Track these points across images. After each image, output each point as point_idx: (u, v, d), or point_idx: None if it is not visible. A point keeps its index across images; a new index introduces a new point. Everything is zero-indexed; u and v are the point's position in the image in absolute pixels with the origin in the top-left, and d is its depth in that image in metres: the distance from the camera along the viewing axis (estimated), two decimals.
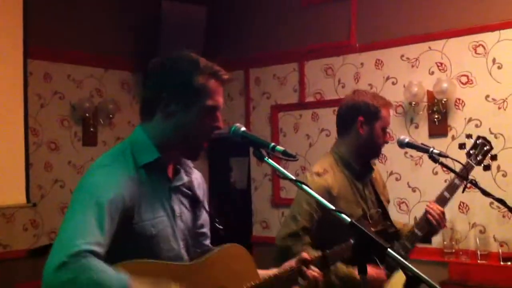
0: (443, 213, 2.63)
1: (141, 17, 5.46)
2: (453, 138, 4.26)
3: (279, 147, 1.70)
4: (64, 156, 4.99)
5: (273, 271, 1.96)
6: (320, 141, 4.96)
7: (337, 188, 2.50)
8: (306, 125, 5.10)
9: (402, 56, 4.54)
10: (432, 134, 4.34)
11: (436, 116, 4.29)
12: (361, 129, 2.55)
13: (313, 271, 1.97)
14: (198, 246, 1.93)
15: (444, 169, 3.99)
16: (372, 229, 2.41)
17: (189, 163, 1.90)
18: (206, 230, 1.98)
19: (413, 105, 4.41)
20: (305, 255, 2.00)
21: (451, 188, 2.67)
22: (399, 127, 4.49)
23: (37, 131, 4.81)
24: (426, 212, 2.62)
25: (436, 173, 4.29)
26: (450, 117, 4.29)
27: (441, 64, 4.36)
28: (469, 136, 2.81)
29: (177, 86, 1.73)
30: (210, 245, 1.98)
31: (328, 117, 4.79)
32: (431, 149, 2.51)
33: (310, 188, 2.34)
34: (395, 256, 1.43)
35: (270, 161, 1.74)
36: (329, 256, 2.14)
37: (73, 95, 5.08)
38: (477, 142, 2.76)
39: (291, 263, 2.00)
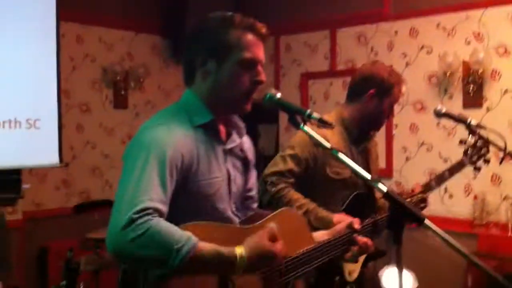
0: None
1: None
2: (487, 109, 4.18)
3: (315, 115, 1.69)
4: (95, 118, 5.06)
5: (325, 235, 1.97)
6: None
7: (333, 144, 2.49)
8: (336, 93, 5.05)
9: (438, 25, 4.44)
10: (466, 105, 4.26)
11: (471, 87, 4.21)
12: (370, 101, 2.57)
13: (363, 239, 2.01)
14: (246, 209, 1.92)
15: None
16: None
17: (240, 124, 1.87)
18: (254, 193, 1.96)
19: (447, 75, 4.32)
20: (355, 223, 2.01)
21: (440, 178, 2.73)
22: (433, 97, 4.42)
23: (69, 93, 4.86)
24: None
25: (461, 141, 4.22)
26: (486, 88, 4.20)
27: (478, 34, 4.25)
28: (462, 142, 2.82)
29: (211, 44, 1.72)
30: (257, 208, 1.97)
31: None
32: (469, 119, 2.48)
33: (305, 140, 2.45)
34: (432, 228, 1.42)
35: (306, 128, 1.73)
36: (379, 224, 2.20)
37: (104, 58, 5.11)
38: (477, 143, 2.78)
39: (342, 228, 2.02)
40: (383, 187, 1.49)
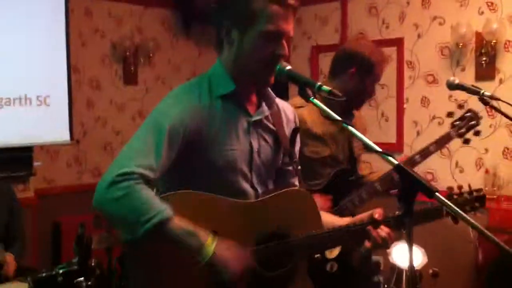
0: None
1: None
2: (500, 81, 4.12)
3: (325, 87, 1.67)
4: (105, 94, 5.05)
5: (341, 223, 1.87)
6: None
7: (310, 123, 2.54)
8: None
9: None
10: (479, 77, 4.19)
11: (484, 59, 4.14)
12: (350, 79, 2.57)
13: (382, 232, 1.84)
14: (282, 183, 1.89)
15: (490, 113, 3.92)
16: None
17: (271, 95, 1.84)
18: (291, 167, 1.90)
19: (460, 46, 4.25)
20: (377, 213, 1.84)
21: (425, 152, 2.70)
22: (445, 69, 4.36)
23: (79, 69, 4.85)
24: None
25: (480, 118, 4.17)
26: (499, 60, 4.13)
27: (491, 3, 4.17)
28: (461, 107, 2.77)
29: (236, 12, 1.69)
30: (296, 183, 1.92)
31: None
32: (482, 91, 2.45)
33: None
34: (443, 200, 1.40)
35: (316, 101, 1.70)
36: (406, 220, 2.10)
37: (113, 33, 5.08)
38: (465, 114, 2.76)
39: (363, 217, 1.87)
40: (393, 160, 1.47)
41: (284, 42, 1.70)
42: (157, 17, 5.41)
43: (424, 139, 4.47)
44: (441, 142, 2.75)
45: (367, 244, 1.86)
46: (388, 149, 2.74)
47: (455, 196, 2.27)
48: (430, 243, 4.00)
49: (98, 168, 4.99)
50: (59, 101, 4.36)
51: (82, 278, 2.90)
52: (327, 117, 1.66)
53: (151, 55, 5.26)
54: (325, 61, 5.15)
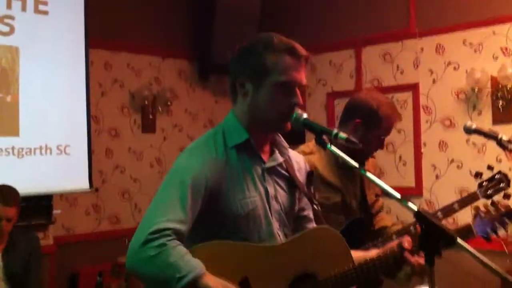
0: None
1: (196, 7, 5.49)
2: None
3: (342, 134, 1.68)
4: (124, 143, 5.12)
5: (370, 255, 1.85)
6: None
7: (321, 170, 2.48)
8: None
9: (465, 41, 4.40)
10: (496, 121, 4.19)
11: (501, 103, 4.14)
12: (355, 129, 2.48)
13: (421, 259, 1.81)
14: (300, 229, 1.89)
15: (508, 156, 3.89)
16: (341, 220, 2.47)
17: (284, 143, 1.88)
18: (307, 213, 1.93)
19: (476, 91, 4.27)
20: (406, 242, 1.83)
21: (448, 210, 2.65)
22: (462, 113, 4.36)
23: (98, 119, 4.94)
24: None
25: (500, 161, 4.15)
26: None
27: (506, 49, 4.19)
28: (490, 168, 2.71)
29: (249, 66, 1.75)
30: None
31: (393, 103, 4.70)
32: (500, 135, 2.43)
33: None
34: (465, 247, 1.39)
35: (333, 148, 1.72)
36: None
37: (132, 83, 5.19)
38: (495, 176, 2.66)
39: (393, 245, 1.86)
40: (413, 206, 1.47)
41: (297, 91, 1.75)
42: (175, 67, 5.53)
43: (443, 183, 4.45)
44: (466, 201, 2.66)
45: (407, 269, 1.84)
46: (407, 193, 2.72)
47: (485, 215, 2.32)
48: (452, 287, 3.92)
49: (117, 215, 5.01)
50: (78, 150, 4.43)
51: None
52: (344, 164, 1.67)
53: (169, 104, 5.35)
54: (341, 107, 5.16)
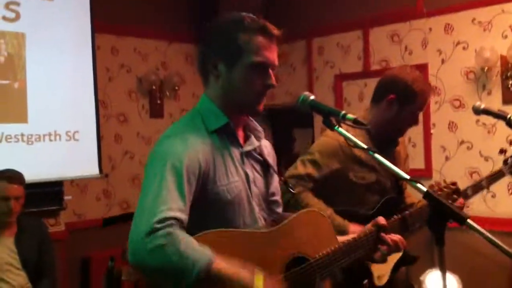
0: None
1: None
2: None
3: (350, 115, 1.67)
4: (132, 128, 5.13)
5: (351, 236, 1.93)
6: None
7: (356, 149, 2.44)
8: (371, 94, 4.97)
9: (473, 20, 4.34)
10: (506, 101, 4.14)
11: (510, 82, 4.09)
12: (389, 106, 2.49)
13: (393, 236, 1.95)
14: (271, 213, 1.91)
15: None
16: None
17: (258, 128, 1.88)
18: (278, 198, 1.95)
19: (485, 70, 4.22)
20: (380, 220, 1.96)
21: (477, 187, 2.65)
22: (471, 93, 4.32)
23: (106, 104, 4.95)
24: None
25: (511, 142, 4.12)
26: None
27: None
28: (502, 151, 2.69)
29: (222, 46, 1.71)
30: (282, 212, 1.97)
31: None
32: (509, 115, 2.42)
33: (325, 145, 2.47)
34: (475, 227, 1.38)
35: (341, 129, 1.71)
36: (408, 218, 2.14)
37: (139, 68, 5.19)
38: None
39: (369, 227, 1.98)
40: (422, 186, 1.46)
41: (271, 72, 1.73)
42: (181, 51, 5.51)
43: (453, 165, 4.43)
44: (493, 178, 2.67)
45: (383, 248, 1.95)
46: (417, 176, 2.71)
47: (439, 192, 2.36)
48: (465, 270, 3.92)
49: (127, 201, 5.04)
50: (87, 136, 4.44)
51: None
52: (354, 145, 1.67)
53: (176, 88, 5.35)
54: (349, 89, 5.16)
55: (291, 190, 2.01)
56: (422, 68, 4.59)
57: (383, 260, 1.98)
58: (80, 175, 4.46)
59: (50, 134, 4.23)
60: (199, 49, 1.81)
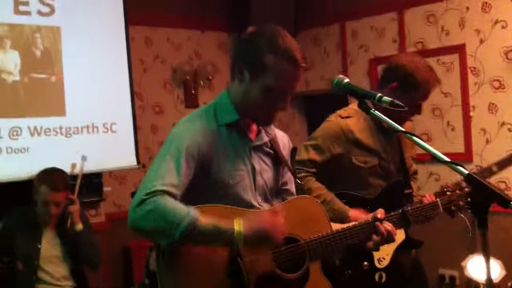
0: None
1: None
2: None
3: (386, 98, 1.66)
4: (168, 119, 5.17)
5: (346, 225, 2.01)
6: None
7: (358, 133, 2.53)
8: None
9: None
10: None
11: None
12: (391, 93, 2.44)
13: (387, 226, 2.01)
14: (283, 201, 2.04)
15: None
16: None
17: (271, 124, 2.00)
18: (289, 187, 2.09)
19: None
20: (379, 212, 2.03)
21: (486, 173, 2.59)
22: (510, 73, 4.19)
23: (142, 95, 5.00)
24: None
25: None
26: None
27: None
28: None
29: (250, 58, 1.81)
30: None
31: (433, 67, 4.56)
32: None
33: (328, 130, 2.53)
34: None
35: (377, 112, 1.69)
36: (409, 213, 2.18)
37: (173, 58, 5.22)
38: None
39: (367, 217, 2.06)
40: (463, 169, 1.43)
41: (288, 97, 1.84)
42: (214, 40, 5.52)
43: (494, 147, 4.32)
44: (506, 163, 2.64)
45: (375, 238, 2.00)
46: (457, 160, 2.64)
47: (448, 193, 2.37)
48: (509, 255, 3.83)
49: None
50: (124, 128, 4.49)
51: None
52: (383, 127, 1.65)
53: (210, 77, 5.36)
54: None
55: (297, 178, 2.10)
56: (460, 48, 4.48)
57: (376, 249, 2.05)
58: (118, 166, 4.53)
59: (87, 127, 4.30)
60: (235, 48, 1.93)
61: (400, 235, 2.53)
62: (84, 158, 3.83)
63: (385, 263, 2.45)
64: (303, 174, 2.51)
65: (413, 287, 2.69)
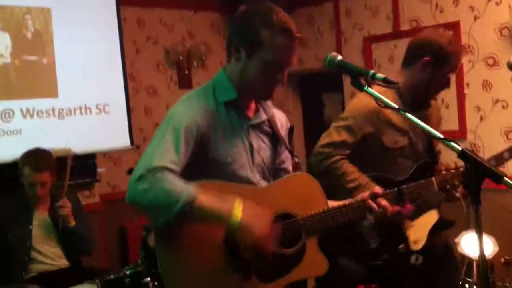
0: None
1: None
2: None
3: (379, 75, 1.66)
4: (162, 100, 5.14)
5: (342, 202, 2.03)
6: None
7: (388, 113, 2.48)
8: (402, 56, 4.76)
9: None
10: None
11: None
12: (423, 69, 2.47)
13: (381, 202, 2.02)
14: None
15: None
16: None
17: (268, 103, 2.03)
18: (286, 165, 2.13)
19: None
20: (377, 189, 2.05)
21: (498, 159, 2.53)
22: (506, 51, 4.18)
23: (135, 76, 4.97)
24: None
25: None
26: None
27: None
28: None
29: (245, 35, 1.83)
30: None
31: None
32: None
33: (358, 109, 2.47)
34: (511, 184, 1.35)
35: (370, 90, 1.68)
36: (405, 191, 2.16)
37: (165, 39, 5.18)
38: None
39: (364, 195, 2.05)
40: (457, 146, 1.43)
41: (285, 70, 1.86)
42: (207, 20, 5.47)
43: (488, 124, 4.32)
44: None
45: (369, 217, 2.03)
46: (451, 137, 2.64)
47: (444, 172, 2.35)
48: (501, 231, 3.86)
49: None
50: (117, 109, 4.47)
51: (148, 279, 2.97)
52: (385, 105, 1.64)
53: (203, 58, 5.32)
54: (379, 51, 5.06)
55: (324, 161, 2.15)
56: (454, 26, 4.45)
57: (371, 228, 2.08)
58: (112, 147, 4.52)
59: (80, 108, 4.28)
60: (229, 26, 1.94)
61: (433, 216, 2.53)
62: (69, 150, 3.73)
63: (420, 245, 2.44)
64: (337, 157, 2.46)
65: (445, 269, 2.67)
